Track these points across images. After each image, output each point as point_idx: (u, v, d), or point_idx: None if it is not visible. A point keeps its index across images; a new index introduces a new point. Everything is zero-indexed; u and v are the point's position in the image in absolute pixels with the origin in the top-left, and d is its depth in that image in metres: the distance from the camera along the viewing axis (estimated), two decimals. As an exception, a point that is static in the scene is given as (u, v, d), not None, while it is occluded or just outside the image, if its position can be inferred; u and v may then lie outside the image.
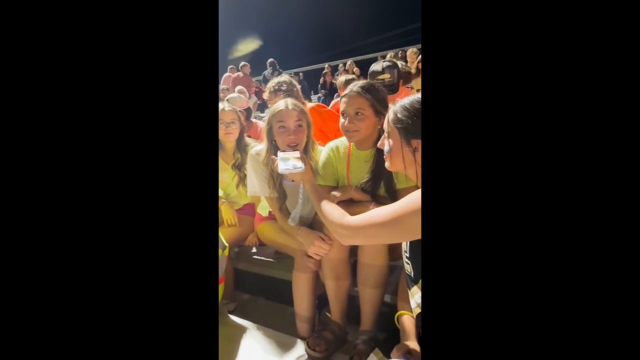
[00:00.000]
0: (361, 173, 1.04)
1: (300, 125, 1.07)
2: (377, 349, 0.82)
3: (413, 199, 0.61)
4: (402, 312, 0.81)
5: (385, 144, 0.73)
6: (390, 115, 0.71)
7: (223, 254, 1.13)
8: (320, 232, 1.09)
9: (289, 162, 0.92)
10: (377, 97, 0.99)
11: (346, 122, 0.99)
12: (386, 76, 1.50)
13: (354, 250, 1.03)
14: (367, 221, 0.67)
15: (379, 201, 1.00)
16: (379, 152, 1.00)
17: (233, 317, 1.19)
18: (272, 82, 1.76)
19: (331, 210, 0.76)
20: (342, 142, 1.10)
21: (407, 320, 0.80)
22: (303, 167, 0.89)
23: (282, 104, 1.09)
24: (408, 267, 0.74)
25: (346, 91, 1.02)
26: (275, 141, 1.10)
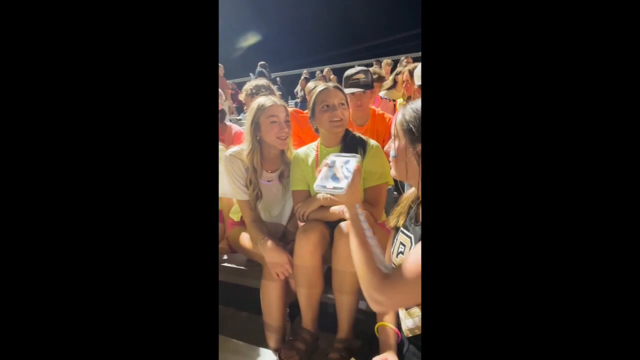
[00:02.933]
0: None
1: (288, 121, 1.11)
2: (353, 359, 0.81)
3: None
4: (384, 323, 0.79)
5: (392, 148, 0.68)
6: (398, 117, 0.67)
7: None
8: (292, 241, 1.05)
9: (334, 178, 0.65)
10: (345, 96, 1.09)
11: (332, 111, 1.04)
12: (360, 76, 1.60)
13: (326, 258, 1.02)
14: (409, 277, 0.56)
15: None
16: (345, 149, 1.04)
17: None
18: (250, 85, 1.73)
19: (374, 268, 0.61)
20: (309, 148, 1.13)
21: (388, 332, 0.77)
22: (344, 189, 0.63)
23: (269, 100, 1.10)
24: None
25: (322, 86, 1.08)
26: (260, 137, 1.10)
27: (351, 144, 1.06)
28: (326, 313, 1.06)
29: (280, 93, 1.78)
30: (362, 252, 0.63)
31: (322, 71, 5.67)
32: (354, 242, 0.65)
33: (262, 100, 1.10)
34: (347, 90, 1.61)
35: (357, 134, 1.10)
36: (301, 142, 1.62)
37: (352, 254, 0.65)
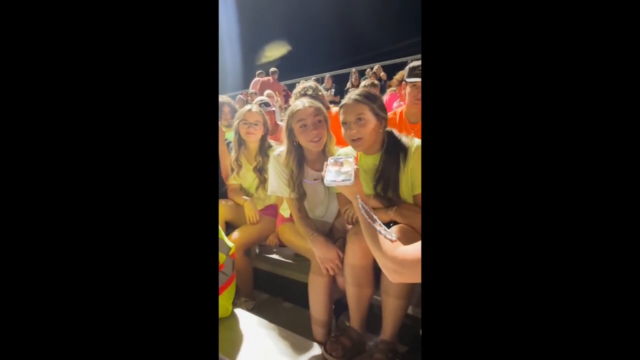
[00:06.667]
0: (367, 182, 1.03)
1: (320, 121, 1.10)
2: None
3: None
4: None
5: None
6: None
7: (228, 257, 1.14)
8: (339, 238, 1.06)
9: (338, 173, 0.80)
10: (376, 102, 0.99)
11: (349, 130, 0.98)
12: None
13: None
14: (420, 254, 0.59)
15: (400, 205, 0.98)
16: (386, 155, 1.00)
17: (251, 315, 1.20)
18: (298, 88, 1.80)
19: (382, 239, 0.68)
20: (347, 154, 1.10)
21: None
22: (352, 180, 0.77)
23: (299, 103, 1.11)
24: None
25: (343, 101, 1.01)
26: (296, 142, 1.12)
27: (392, 151, 1.00)
28: (375, 314, 1.05)
29: (327, 92, 1.79)
30: (368, 231, 0.71)
31: (372, 68, 5.56)
32: (361, 225, 0.74)
33: (294, 104, 1.13)
34: (409, 80, 1.54)
35: (399, 134, 1.04)
36: (346, 143, 1.62)
37: (364, 236, 0.73)
